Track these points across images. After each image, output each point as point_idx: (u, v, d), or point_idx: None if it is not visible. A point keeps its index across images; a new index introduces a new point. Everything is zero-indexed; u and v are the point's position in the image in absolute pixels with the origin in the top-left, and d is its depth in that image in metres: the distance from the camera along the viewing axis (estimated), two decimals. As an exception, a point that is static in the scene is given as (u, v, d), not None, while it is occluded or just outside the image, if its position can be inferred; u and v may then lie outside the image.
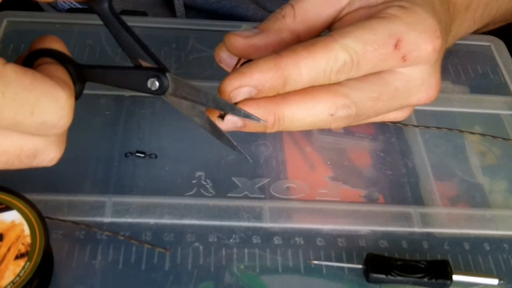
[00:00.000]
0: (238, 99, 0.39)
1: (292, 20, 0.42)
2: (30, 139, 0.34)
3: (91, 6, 0.37)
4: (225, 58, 0.44)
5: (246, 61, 0.42)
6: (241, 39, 0.41)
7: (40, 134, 0.34)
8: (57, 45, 0.37)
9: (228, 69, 0.44)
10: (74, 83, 0.36)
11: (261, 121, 0.39)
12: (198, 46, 0.60)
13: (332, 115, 0.40)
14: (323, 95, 0.40)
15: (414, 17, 0.40)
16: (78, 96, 0.37)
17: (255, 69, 0.38)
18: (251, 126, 0.40)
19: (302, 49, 0.39)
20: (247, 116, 0.38)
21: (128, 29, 0.38)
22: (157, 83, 0.37)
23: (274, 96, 0.40)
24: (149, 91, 0.38)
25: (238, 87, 0.38)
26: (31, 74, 0.33)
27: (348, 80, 0.40)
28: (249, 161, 0.42)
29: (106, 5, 0.37)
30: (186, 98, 0.38)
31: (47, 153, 0.35)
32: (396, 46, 0.39)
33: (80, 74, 0.37)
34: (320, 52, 0.38)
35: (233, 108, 0.38)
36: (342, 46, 0.38)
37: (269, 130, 0.41)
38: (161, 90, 0.37)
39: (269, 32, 0.41)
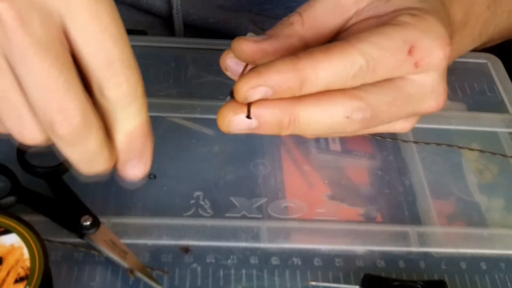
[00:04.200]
0: (253, 98, 0.38)
1: (300, 27, 0.42)
2: None
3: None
4: (232, 66, 0.43)
5: (253, 67, 0.42)
6: (250, 43, 0.41)
7: None
8: None
9: (234, 77, 0.44)
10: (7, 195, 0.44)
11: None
12: (197, 66, 0.60)
13: (348, 117, 0.40)
14: (339, 97, 0.40)
15: (426, 24, 0.40)
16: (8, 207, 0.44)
17: (272, 70, 0.38)
18: (266, 127, 0.40)
19: (320, 53, 0.38)
20: None
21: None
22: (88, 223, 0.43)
23: (289, 97, 0.40)
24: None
25: (255, 87, 0.38)
26: None
27: (363, 84, 0.41)
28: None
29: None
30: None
31: None
32: (410, 52, 0.40)
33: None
34: (337, 56, 0.38)
35: None
36: (359, 51, 0.39)
37: (284, 132, 0.40)
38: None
39: (278, 37, 0.41)
